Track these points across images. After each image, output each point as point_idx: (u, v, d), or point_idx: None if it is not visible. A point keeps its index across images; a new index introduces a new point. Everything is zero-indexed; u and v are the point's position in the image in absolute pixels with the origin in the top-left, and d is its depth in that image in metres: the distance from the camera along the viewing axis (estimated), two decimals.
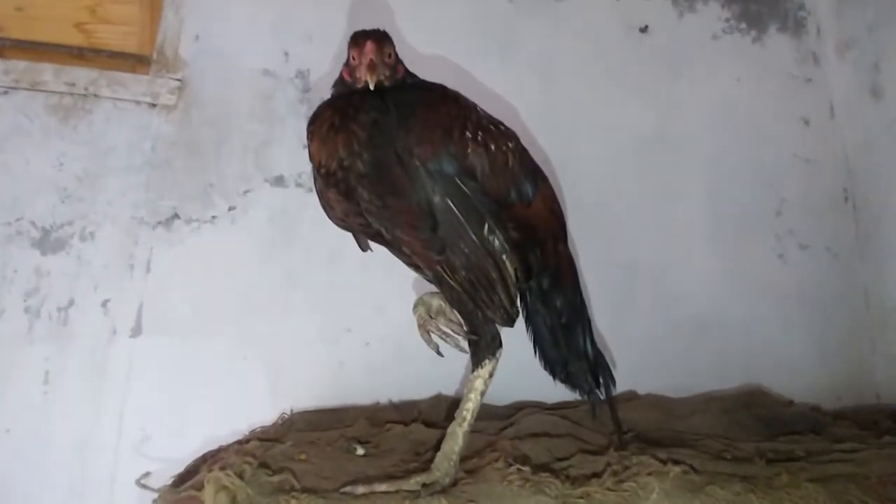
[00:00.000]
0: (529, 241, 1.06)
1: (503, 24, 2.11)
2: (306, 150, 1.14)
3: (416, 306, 1.19)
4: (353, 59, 1.06)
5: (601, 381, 1.19)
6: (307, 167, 1.88)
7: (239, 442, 1.38)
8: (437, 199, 0.97)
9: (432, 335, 1.22)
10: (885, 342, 1.95)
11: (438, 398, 1.71)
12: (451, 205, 0.97)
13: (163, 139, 1.82)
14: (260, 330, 1.76)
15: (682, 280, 1.99)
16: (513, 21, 2.10)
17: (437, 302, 1.13)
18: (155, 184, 1.80)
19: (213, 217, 1.82)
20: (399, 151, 0.96)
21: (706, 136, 2.10)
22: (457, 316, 1.09)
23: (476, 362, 1.05)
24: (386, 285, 1.85)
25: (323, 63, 1.97)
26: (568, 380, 1.22)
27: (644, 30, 2.16)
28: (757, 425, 1.53)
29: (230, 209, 1.84)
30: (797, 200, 2.11)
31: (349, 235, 1.85)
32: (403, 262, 1.20)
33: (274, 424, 1.53)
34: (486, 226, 1.00)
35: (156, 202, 1.79)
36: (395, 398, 1.75)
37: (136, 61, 1.92)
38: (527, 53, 2.10)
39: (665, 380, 1.81)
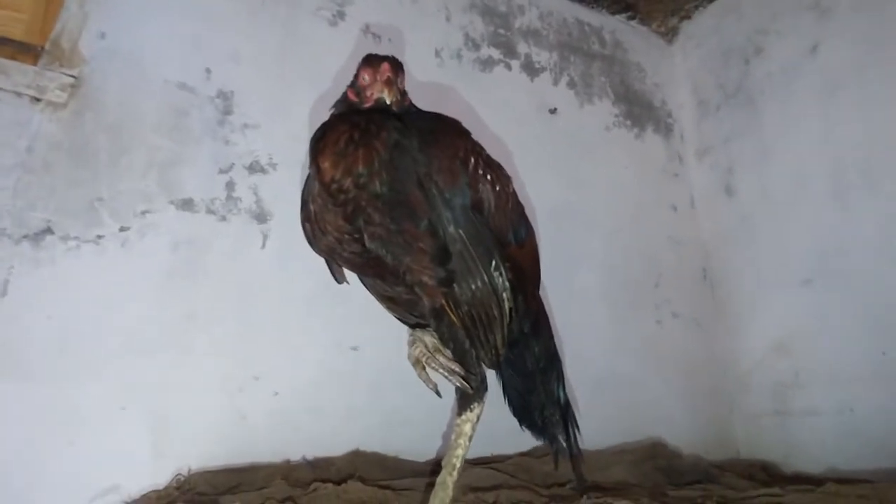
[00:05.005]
0: (518, 283, 1.06)
1: (434, 87, 2.18)
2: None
3: (413, 343, 1.10)
4: (365, 78, 1.02)
5: (570, 427, 1.19)
6: (222, 194, 1.74)
7: None
8: (451, 228, 0.94)
9: (430, 373, 1.11)
10: (742, 403, 2.26)
11: (356, 454, 1.57)
12: (464, 237, 0.94)
13: (44, 139, 1.53)
14: (146, 375, 1.49)
15: (582, 341, 2.12)
16: (441, 83, 2.19)
17: (430, 339, 1.06)
18: (26, 190, 1.49)
19: (99, 237, 1.54)
20: (421, 177, 0.92)
21: (602, 212, 2.34)
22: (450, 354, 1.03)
23: (464, 406, 1.00)
24: (304, 329, 1.71)
25: (250, 87, 1.85)
26: (534, 426, 1.20)
27: (553, 111, 2.39)
28: (659, 475, 1.65)
29: (122, 230, 1.58)
30: (670, 275, 2.42)
31: (268, 272, 1.72)
32: (386, 295, 1.12)
33: (168, 488, 1.27)
34: (493, 262, 0.98)
35: (24, 212, 1.47)
36: (305, 455, 1.57)
37: (19, 49, 1.61)
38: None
39: None
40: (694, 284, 2.47)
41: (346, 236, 0.97)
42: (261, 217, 1.76)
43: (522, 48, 2.41)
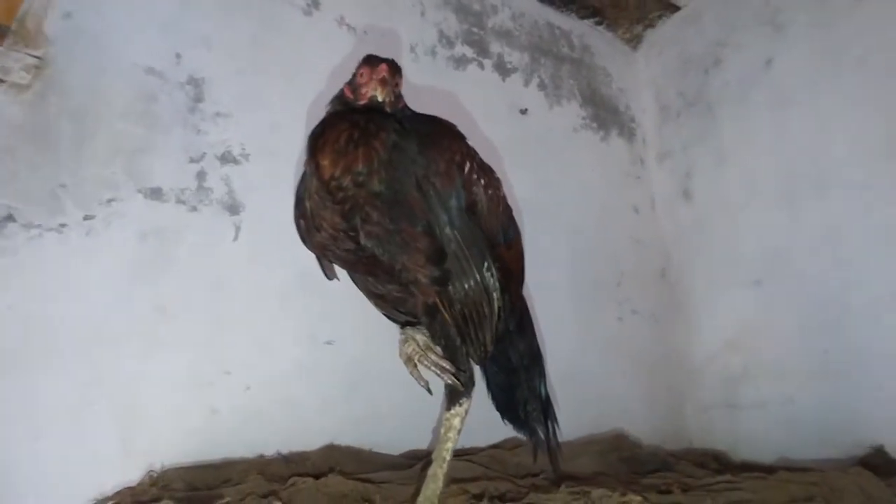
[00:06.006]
0: (506, 283, 1.09)
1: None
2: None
3: (405, 340, 1.10)
4: (361, 76, 1.02)
5: (549, 422, 1.23)
6: (193, 183, 1.70)
7: None
8: (447, 230, 0.96)
9: (421, 370, 1.11)
10: (694, 396, 2.38)
11: (331, 448, 1.57)
12: (459, 238, 0.97)
13: (6, 122, 1.46)
14: (113, 369, 1.44)
15: (549, 337, 2.17)
16: (416, 82, 2.20)
17: (421, 337, 1.08)
18: None
19: (62, 225, 1.48)
20: (419, 178, 0.94)
21: (569, 211, 2.41)
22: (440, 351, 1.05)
23: (454, 401, 1.03)
24: (277, 323, 1.69)
25: (222, 75, 1.81)
26: (516, 420, 1.24)
27: (524, 112, 2.44)
28: (622, 465, 1.73)
29: (86, 218, 1.52)
30: (631, 273, 2.51)
31: (241, 264, 1.69)
32: (376, 292, 1.13)
33: (142, 484, 1.24)
34: (486, 262, 1.01)
35: None
36: (280, 450, 1.56)
37: None
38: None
39: None
40: (653, 283, 2.58)
41: (341, 234, 0.98)
42: (233, 208, 1.73)
43: (495, 48, 2.44)
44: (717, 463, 1.87)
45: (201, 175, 1.71)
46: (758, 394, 2.16)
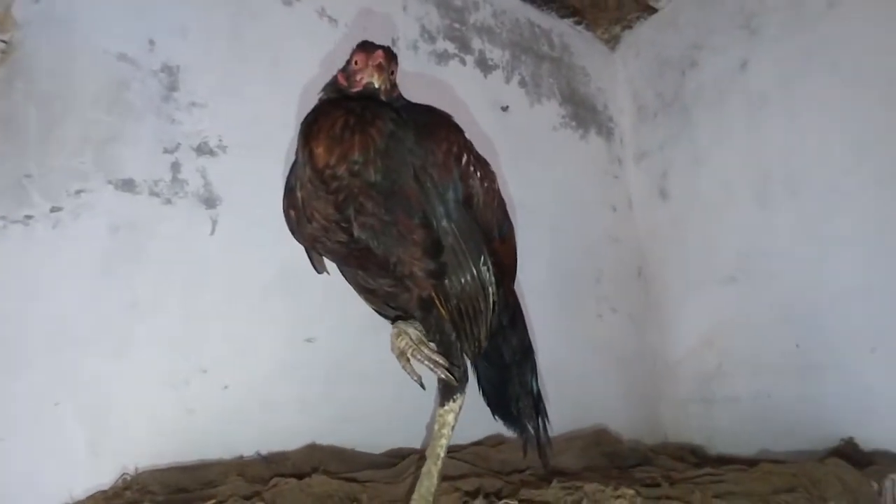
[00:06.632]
0: (500, 277, 1.08)
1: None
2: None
3: (398, 334, 1.07)
4: (357, 63, 0.99)
5: (540, 417, 1.22)
6: (167, 175, 1.64)
7: None
8: (444, 222, 0.94)
9: (414, 364, 1.08)
10: (669, 392, 2.42)
11: (312, 448, 1.53)
12: (456, 231, 0.95)
13: None
14: (82, 368, 1.37)
15: (532, 334, 2.19)
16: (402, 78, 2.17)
17: (413, 331, 1.05)
18: None
19: (28, 217, 1.41)
20: (417, 169, 0.91)
21: (549, 208, 2.42)
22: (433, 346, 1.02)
23: (447, 396, 1.00)
24: (256, 320, 1.64)
25: (198, 63, 1.74)
26: (508, 416, 1.23)
27: (505, 109, 2.44)
28: (604, 460, 1.74)
29: (53, 210, 1.44)
30: (610, 271, 2.54)
31: (217, 259, 1.64)
32: (367, 286, 1.10)
33: (115, 487, 1.18)
34: (482, 257, 0.99)
35: None
36: (259, 450, 1.51)
37: None
38: None
39: None
40: (630, 281, 2.61)
41: (334, 225, 0.95)
42: (210, 202, 1.67)
43: (476, 44, 2.43)
44: (694, 456, 1.90)
45: (176, 166, 1.65)
46: (732, 388, 2.21)
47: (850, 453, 1.65)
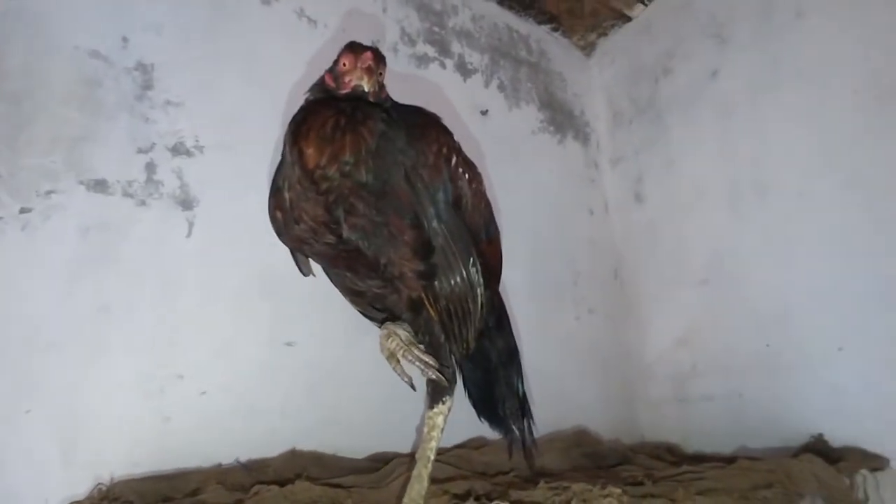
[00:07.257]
0: (486, 278, 1.08)
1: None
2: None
3: (388, 335, 1.06)
4: (345, 64, 0.98)
5: (526, 419, 1.23)
6: (141, 176, 1.60)
7: None
8: (434, 223, 0.94)
9: (404, 366, 1.07)
10: (645, 392, 2.46)
11: (294, 454, 1.51)
12: (446, 232, 0.95)
13: None
14: (53, 374, 1.33)
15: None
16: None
17: (403, 332, 1.04)
18: None
19: None
20: (408, 170, 0.91)
21: (528, 212, 2.44)
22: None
23: (437, 398, 1.00)
24: (234, 324, 1.61)
25: (173, 62, 1.71)
26: (494, 418, 1.23)
27: (485, 113, 2.45)
28: (586, 460, 1.76)
29: (22, 211, 1.39)
30: (587, 273, 2.57)
31: (194, 262, 1.60)
32: (354, 289, 1.09)
33: (90, 498, 1.14)
34: (471, 258, 0.99)
35: None
36: (239, 458, 1.48)
37: None
38: None
39: None
40: (607, 283, 2.65)
41: (322, 226, 0.93)
42: (186, 203, 1.63)
43: (456, 48, 2.44)
44: (671, 455, 1.93)
45: (150, 167, 1.61)
46: (706, 388, 2.26)
47: (820, 449, 1.70)
